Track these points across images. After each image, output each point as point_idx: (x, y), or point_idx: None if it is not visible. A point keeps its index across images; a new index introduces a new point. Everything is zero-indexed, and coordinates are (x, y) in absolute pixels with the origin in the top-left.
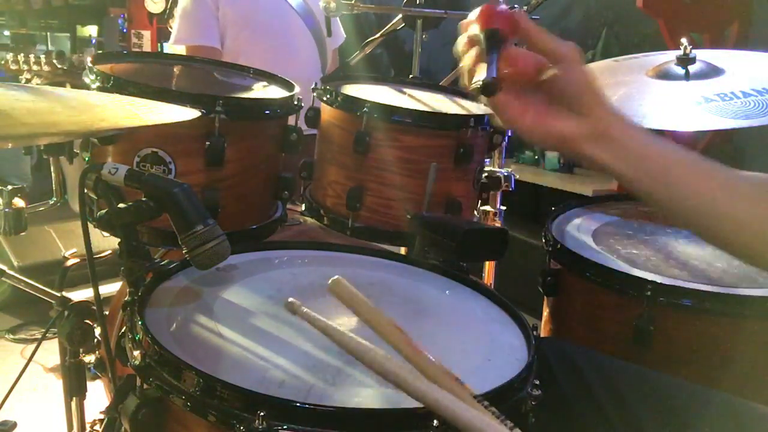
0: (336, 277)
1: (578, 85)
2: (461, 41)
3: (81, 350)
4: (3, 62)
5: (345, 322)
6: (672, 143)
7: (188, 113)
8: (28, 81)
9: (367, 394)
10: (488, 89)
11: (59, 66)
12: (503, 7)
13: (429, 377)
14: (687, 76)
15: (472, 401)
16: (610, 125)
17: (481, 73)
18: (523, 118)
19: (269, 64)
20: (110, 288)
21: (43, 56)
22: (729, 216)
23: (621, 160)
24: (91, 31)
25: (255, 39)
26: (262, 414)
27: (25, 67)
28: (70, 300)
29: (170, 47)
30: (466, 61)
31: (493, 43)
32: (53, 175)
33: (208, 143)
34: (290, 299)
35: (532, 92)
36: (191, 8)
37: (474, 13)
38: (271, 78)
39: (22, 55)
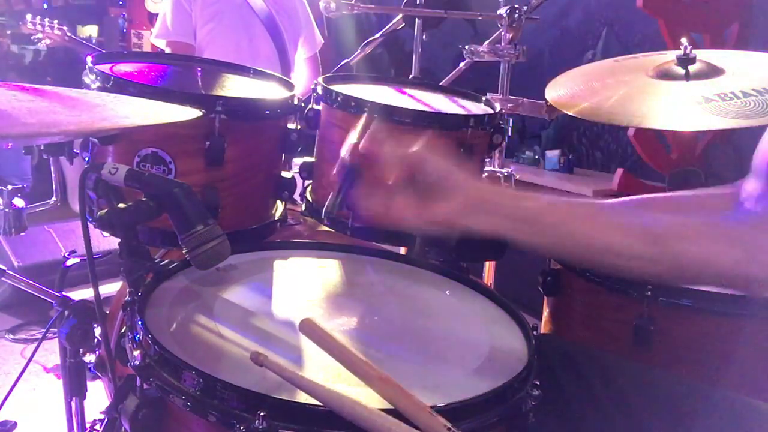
0: (305, 318)
1: (435, 171)
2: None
3: (81, 350)
4: (20, 23)
5: (345, 322)
6: (542, 192)
7: (188, 113)
8: (39, 40)
9: (367, 394)
10: (328, 214)
11: (68, 34)
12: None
13: (402, 410)
14: (687, 76)
15: None
16: (479, 195)
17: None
18: (407, 215)
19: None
20: (110, 288)
21: (56, 22)
22: (606, 246)
23: (495, 223)
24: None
25: (220, 39)
26: (262, 414)
27: (40, 29)
28: (70, 300)
29: (152, 40)
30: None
31: (349, 178)
32: (53, 175)
33: (208, 143)
34: (254, 351)
35: (405, 191)
36: (170, 7)
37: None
38: (271, 78)
39: (38, 17)
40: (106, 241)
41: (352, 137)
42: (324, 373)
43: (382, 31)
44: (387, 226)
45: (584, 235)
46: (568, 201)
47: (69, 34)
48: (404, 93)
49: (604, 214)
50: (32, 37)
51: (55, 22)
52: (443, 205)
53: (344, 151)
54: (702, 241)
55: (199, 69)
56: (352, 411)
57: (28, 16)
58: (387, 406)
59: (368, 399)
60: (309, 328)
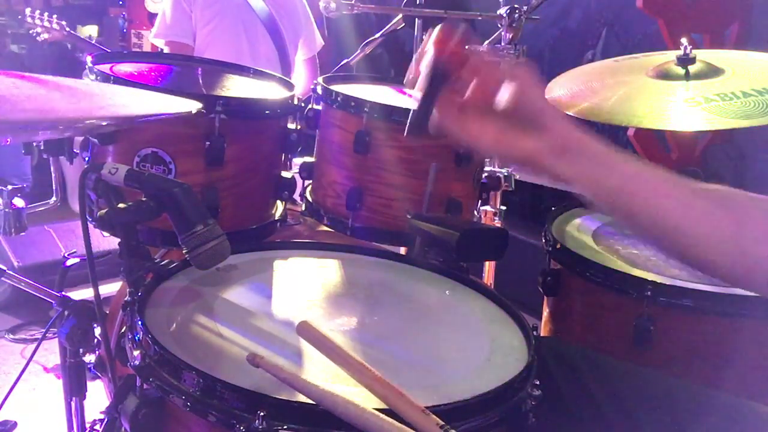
0: (302, 320)
1: (534, 103)
2: (414, 68)
3: (81, 350)
4: (21, 17)
5: (345, 322)
6: (631, 156)
7: (188, 105)
8: (38, 34)
9: (367, 394)
10: (414, 130)
11: (67, 29)
12: (458, 34)
13: (397, 410)
14: (687, 76)
15: None
16: (570, 140)
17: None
18: (484, 139)
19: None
20: (110, 288)
21: (55, 16)
22: (682, 229)
23: (581, 173)
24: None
25: (220, 40)
26: (262, 414)
27: (39, 22)
28: (70, 300)
29: (151, 39)
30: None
31: (435, 84)
32: (53, 175)
33: (208, 143)
34: (250, 352)
35: (491, 113)
36: (170, 7)
37: (431, 41)
38: (271, 78)
39: (38, 11)
40: (106, 241)
41: (442, 36)
42: (324, 374)
43: (382, 31)
44: (459, 144)
45: (673, 215)
46: (663, 176)
47: (68, 29)
48: (404, 93)
49: (698, 196)
50: (30, 32)
51: (54, 17)
52: (531, 139)
53: (430, 51)
54: None
55: (200, 69)
56: (346, 411)
57: (27, 11)
58: (382, 405)
59: (366, 399)
60: (306, 330)
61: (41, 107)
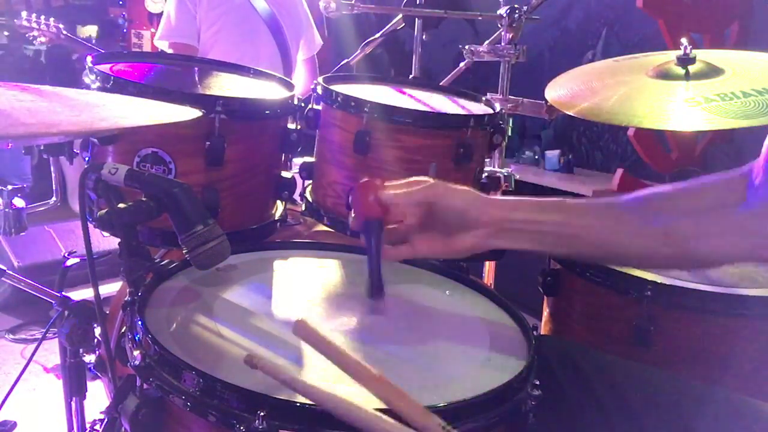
0: (299, 319)
1: (454, 208)
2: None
3: (81, 350)
4: (17, 20)
5: (345, 322)
6: (555, 201)
7: (188, 113)
8: (35, 38)
9: (365, 395)
10: (377, 292)
11: (64, 32)
12: (371, 190)
13: (398, 410)
14: (687, 76)
15: None
16: (499, 222)
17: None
18: (434, 251)
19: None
20: (110, 288)
21: (52, 20)
22: (623, 252)
23: (522, 240)
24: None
25: (224, 41)
26: (262, 414)
27: (35, 26)
28: (70, 300)
29: (155, 42)
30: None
31: (374, 239)
32: (53, 175)
33: (208, 143)
34: (248, 354)
35: (428, 229)
36: (174, 9)
37: (353, 208)
38: (271, 78)
39: (34, 15)
40: (106, 241)
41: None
42: (324, 374)
43: (382, 31)
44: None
45: (607, 242)
46: (588, 206)
47: (65, 32)
48: (404, 93)
49: (624, 221)
50: (27, 35)
51: (51, 20)
52: (467, 235)
53: (355, 214)
54: (714, 239)
55: (200, 69)
56: (347, 412)
57: (24, 14)
58: (383, 406)
59: (366, 399)
60: (303, 330)
61: (43, 120)
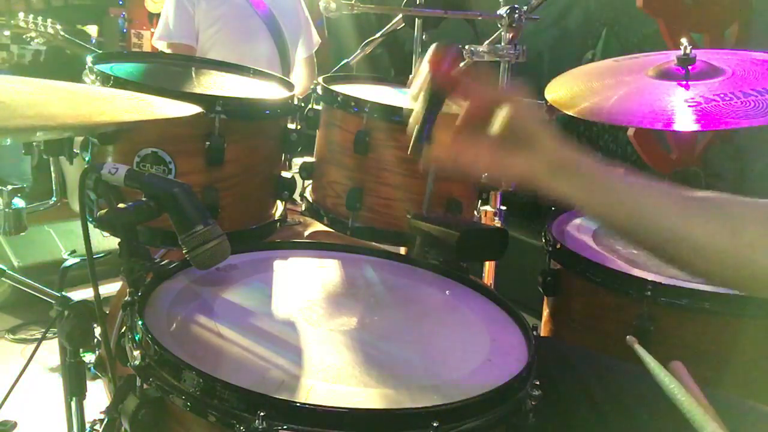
0: (675, 360)
1: (527, 125)
2: (411, 94)
3: (81, 350)
4: (14, 21)
5: (345, 322)
6: (624, 170)
7: (188, 108)
8: (32, 39)
9: (367, 395)
10: (417, 151)
11: (61, 33)
12: (451, 52)
13: None
14: (687, 76)
15: None
16: (564, 158)
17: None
18: (479, 162)
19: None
20: (110, 288)
21: (49, 20)
22: (679, 241)
23: (577, 190)
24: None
25: (223, 41)
26: (262, 414)
27: (32, 27)
28: (70, 300)
29: (153, 42)
30: (412, 123)
31: (433, 104)
32: (53, 175)
33: (208, 143)
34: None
35: (484, 135)
36: (173, 9)
37: (425, 64)
38: (271, 78)
39: (32, 15)
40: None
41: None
42: (324, 374)
43: (382, 31)
44: (451, 170)
45: (670, 231)
46: (657, 188)
47: (62, 33)
48: (404, 93)
49: (689, 206)
50: (24, 36)
51: (49, 20)
52: (524, 160)
53: (424, 74)
54: None
55: (199, 69)
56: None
57: (21, 14)
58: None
59: (368, 399)
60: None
61: (41, 113)
